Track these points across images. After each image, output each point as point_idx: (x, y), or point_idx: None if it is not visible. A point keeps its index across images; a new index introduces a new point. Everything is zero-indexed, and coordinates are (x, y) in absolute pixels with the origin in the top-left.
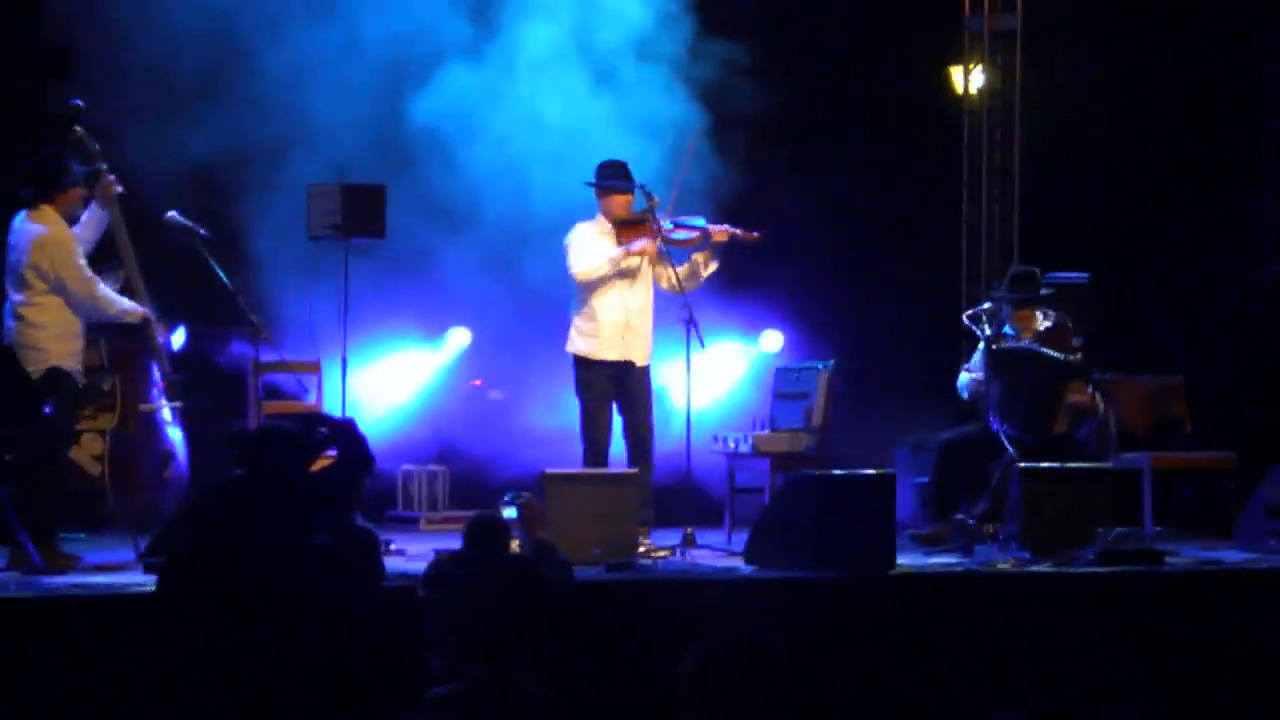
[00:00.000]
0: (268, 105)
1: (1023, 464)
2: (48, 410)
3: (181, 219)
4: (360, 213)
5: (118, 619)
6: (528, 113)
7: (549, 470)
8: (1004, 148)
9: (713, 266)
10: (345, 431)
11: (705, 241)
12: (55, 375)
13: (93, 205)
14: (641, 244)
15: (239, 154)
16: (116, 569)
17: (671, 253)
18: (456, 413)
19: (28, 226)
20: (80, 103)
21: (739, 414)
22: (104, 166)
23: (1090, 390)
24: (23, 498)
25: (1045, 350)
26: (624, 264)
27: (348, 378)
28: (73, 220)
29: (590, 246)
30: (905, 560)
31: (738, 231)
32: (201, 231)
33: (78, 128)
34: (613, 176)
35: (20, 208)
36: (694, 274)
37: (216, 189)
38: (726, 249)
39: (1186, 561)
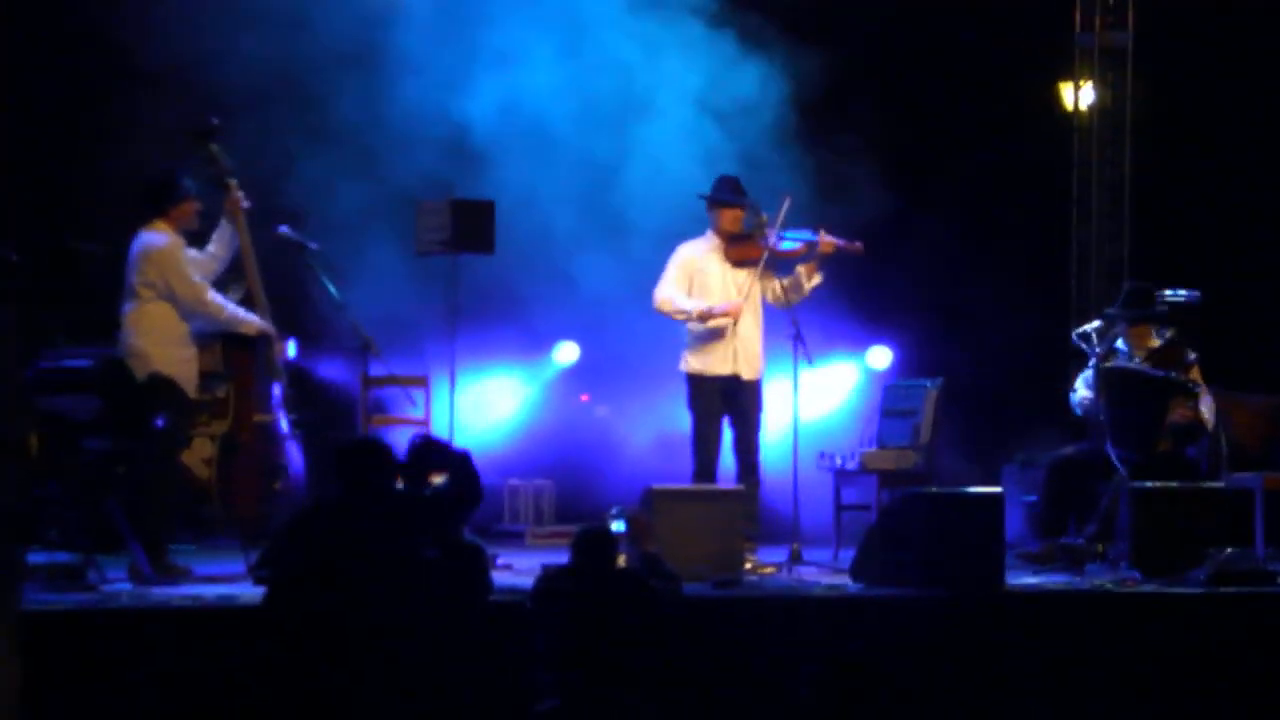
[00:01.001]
0: (379, 119)
1: (1133, 484)
2: (159, 423)
3: (292, 233)
4: (469, 228)
5: (229, 631)
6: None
7: (656, 486)
8: (1114, 164)
9: (817, 279)
10: (460, 465)
11: (811, 253)
12: (156, 382)
13: (223, 222)
14: (725, 307)
15: (347, 169)
16: (227, 581)
17: (777, 265)
18: (563, 427)
19: (140, 239)
20: (216, 120)
21: (846, 431)
22: (234, 181)
23: (1194, 406)
24: (135, 509)
25: (1146, 369)
26: (703, 322)
27: (456, 392)
28: (190, 234)
29: (684, 270)
30: (1014, 579)
31: (841, 242)
32: (312, 246)
33: (213, 145)
34: (727, 191)
35: (132, 225)
36: (797, 286)
37: (325, 204)
38: (834, 262)
39: None
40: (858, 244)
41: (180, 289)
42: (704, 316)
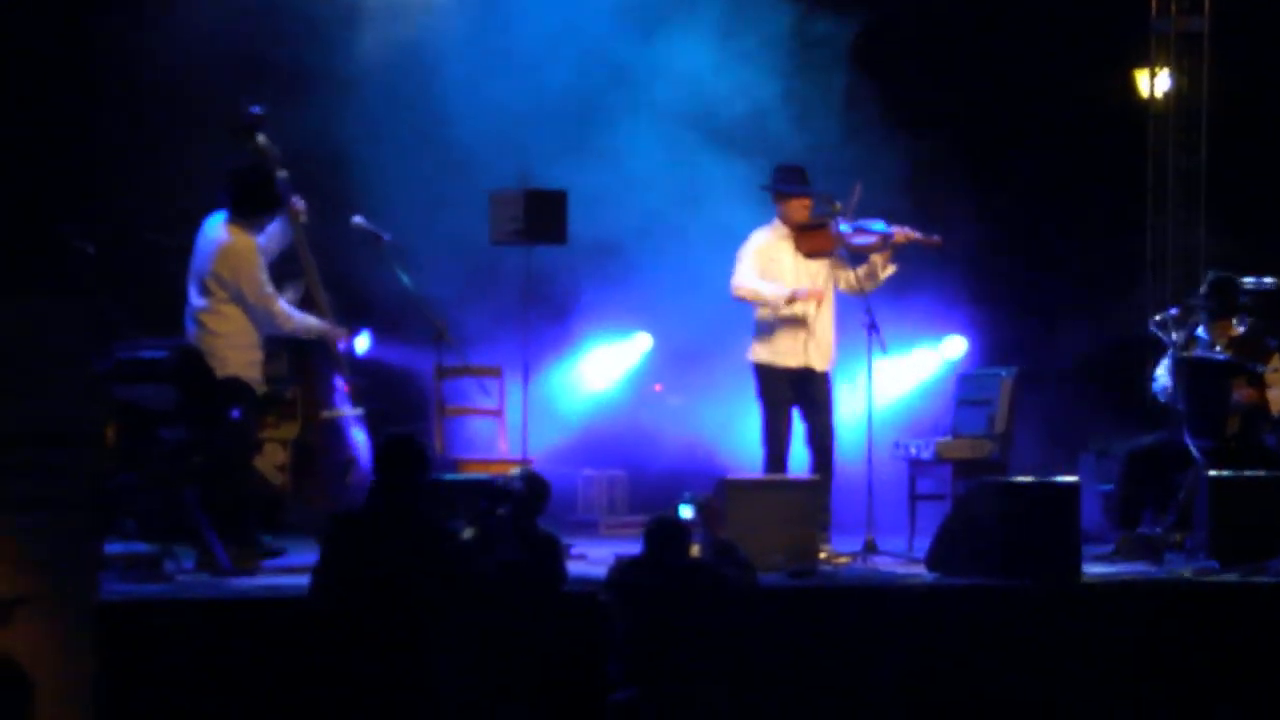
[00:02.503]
0: (449, 110)
1: (1211, 473)
2: (235, 414)
3: (366, 224)
4: (542, 218)
5: (304, 622)
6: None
7: (730, 476)
8: (1190, 152)
9: (891, 269)
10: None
11: (886, 244)
12: (230, 384)
13: (280, 220)
14: (807, 291)
15: (423, 159)
16: (304, 571)
17: (849, 255)
18: (637, 417)
19: (216, 233)
20: (259, 110)
21: (920, 420)
22: (285, 175)
23: (1258, 387)
24: (210, 499)
25: (1213, 355)
26: (785, 309)
27: (529, 382)
28: (259, 229)
29: (758, 259)
30: (1091, 569)
31: (918, 235)
32: (386, 236)
33: (260, 135)
34: (790, 181)
35: (214, 210)
36: (872, 275)
37: (400, 194)
38: (907, 252)
39: None
40: (936, 237)
41: (252, 295)
42: (790, 301)
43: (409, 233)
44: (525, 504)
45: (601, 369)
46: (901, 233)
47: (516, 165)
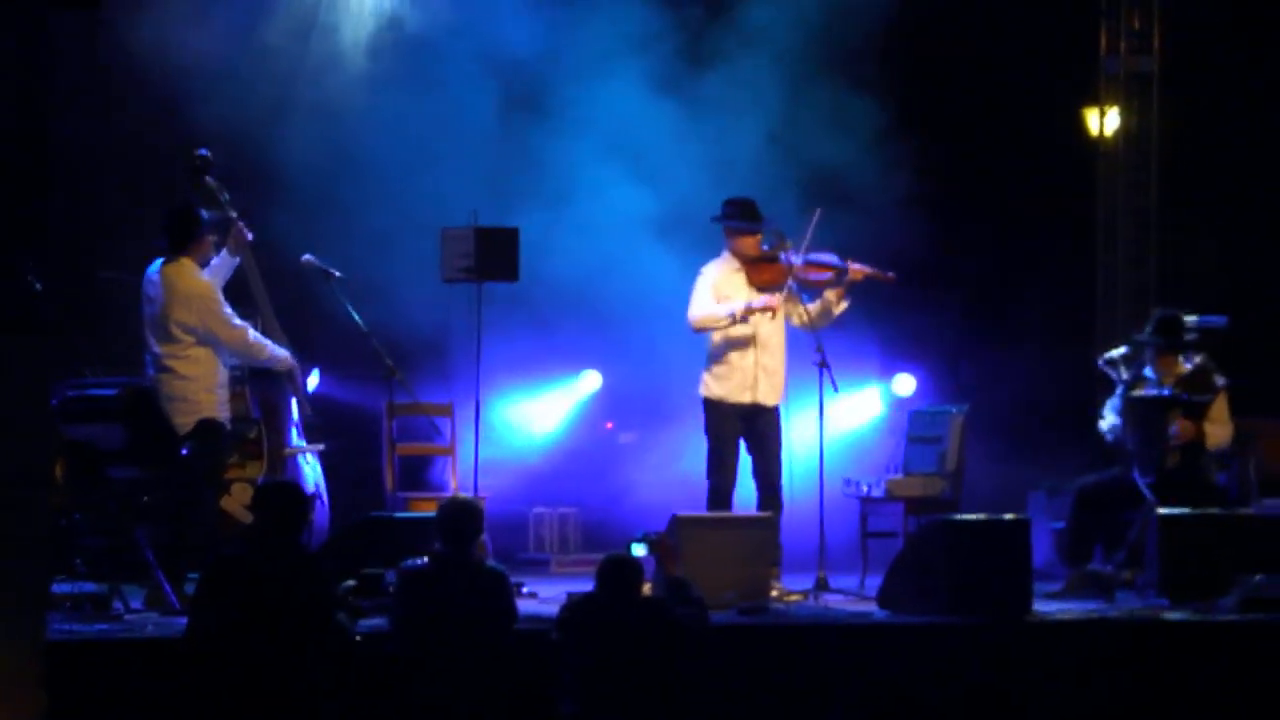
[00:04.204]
0: (400, 147)
1: (1161, 511)
2: (184, 452)
3: (317, 261)
4: (493, 255)
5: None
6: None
7: (681, 514)
8: (1140, 190)
9: (844, 305)
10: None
11: (840, 279)
12: (207, 426)
13: (223, 252)
14: (764, 301)
15: (370, 197)
16: None
17: (801, 287)
18: (588, 455)
19: (166, 279)
20: (207, 153)
21: (871, 458)
22: (234, 214)
23: (1195, 421)
24: (161, 539)
25: (1156, 392)
26: (741, 321)
27: (480, 420)
28: (204, 265)
29: (713, 292)
30: (1041, 607)
31: (872, 270)
32: (336, 274)
33: (207, 177)
34: (740, 215)
35: (155, 257)
36: (826, 311)
37: (351, 232)
38: (860, 288)
39: None
40: (890, 274)
41: (225, 335)
42: (748, 312)
43: (359, 270)
44: (454, 534)
45: (552, 407)
46: (856, 268)
47: (468, 202)
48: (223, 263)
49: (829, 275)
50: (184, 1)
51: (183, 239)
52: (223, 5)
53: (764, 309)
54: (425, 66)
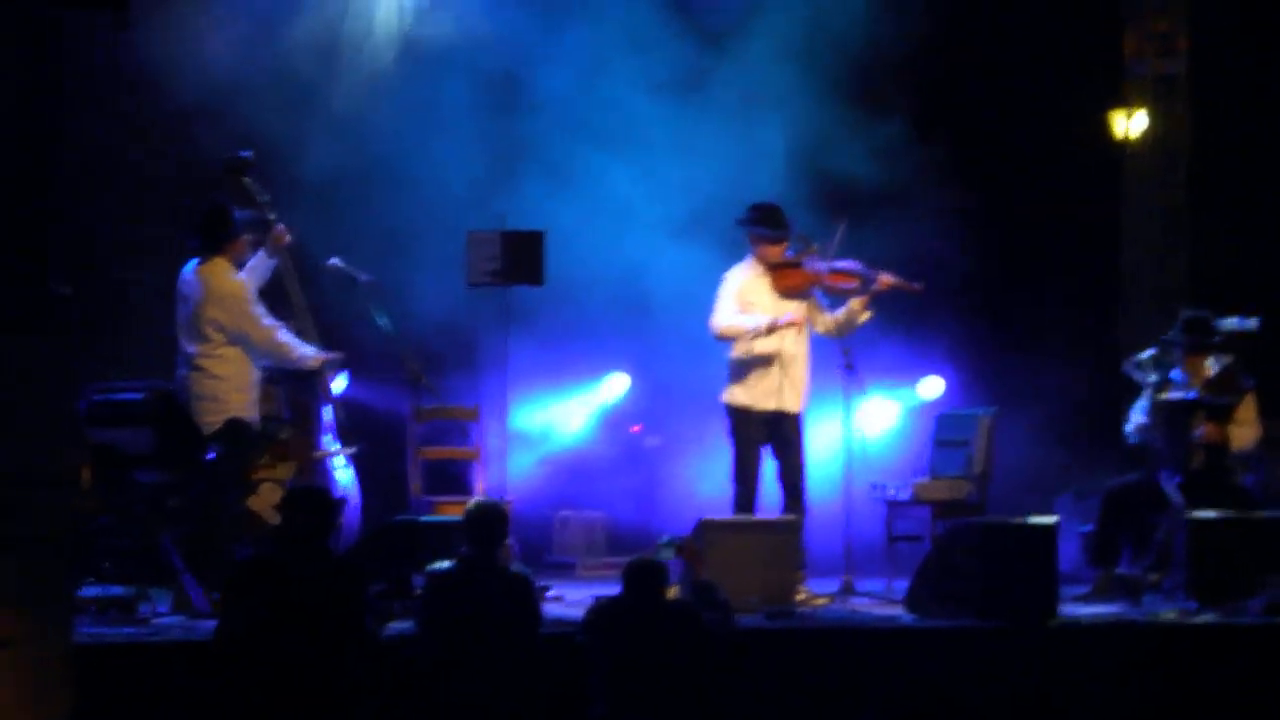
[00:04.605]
0: (426, 150)
1: (1189, 513)
2: (210, 456)
3: (343, 265)
4: (519, 259)
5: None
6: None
7: (708, 518)
8: (1168, 192)
9: (868, 315)
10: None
11: (865, 288)
12: (235, 426)
13: (260, 253)
14: (789, 317)
15: (399, 201)
16: None
17: (827, 296)
18: (614, 459)
19: (201, 279)
20: (249, 154)
21: (898, 461)
22: (273, 216)
23: (1220, 424)
24: (187, 542)
25: (1184, 395)
26: (769, 334)
27: (507, 424)
28: (239, 266)
29: (738, 299)
30: (1069, 610)
31: (899, 281)
32: (363, 277)
33: (246, 178)
34: (764, 221)
35: (191, 257)
36: (850, 321)
37: (378, 236)
38: (885, 296)
39: None
40: (917, 285)
41: (255, 334)
42: (771, 329)
43: (386, 273)
44: (481, 537)
45: (579, 410)
46: (884, 279)
47: (495, 205)
48: (260, 263)
49: (855, 284)
50: (206, 9)
51: (216, 239)
52: (245, 14)
53: (789, 325)
54: (450, 72)
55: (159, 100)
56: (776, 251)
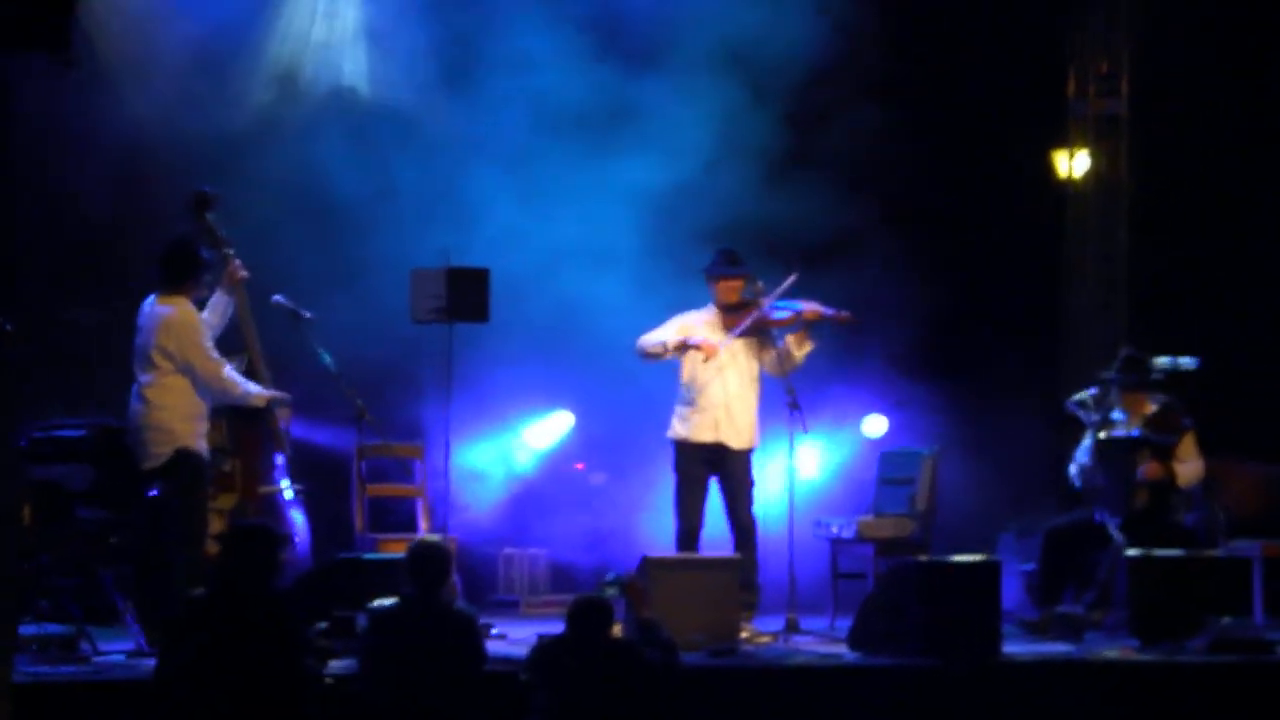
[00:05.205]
0: (370, 188)
1: (1131, 552)
2: (153, 494)
3: (287, 302)
4: (464, 296)
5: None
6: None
7: (651, 555)
8: (1109, 232)
9: (808, 346)
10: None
11: (798, 321)
12: (183, 456)
13: (218, 291)
14: (701, 340)
15: (343, 236)
16: None
17: (773, 335)
18: (559, 496)
19: (158, 309)
20: (210, 190)
21: (842, 499)
22: (231, 252)
23: (1165, 462)
24: (129, 580)
25: (1126, 434)
26: (674, 352)
27: (450, 461)
28: (200, 304)
29: (677, 327)
30: (1011, 648)
31: (828, 311)
32: (306, 314)
33: (208, 215)
34: (724, 262)
35: (126, 296)
36: (788, 355)
37: (321, 273)
38: (830, 331)
39: None
40: (845, 313)
41: (200, 365)
42: (679, 347)
43: (330, 310)
44: (424, 576)
45: (523, 448)
46: (810, 309)
47: (439, 242)
48: (220, 301)
49: (788, 315)
50: (149, 45)
51: (180, 275)
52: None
53: (697, 347)
54: (394, 111)
55: (98, 139)
56: (731, 289)
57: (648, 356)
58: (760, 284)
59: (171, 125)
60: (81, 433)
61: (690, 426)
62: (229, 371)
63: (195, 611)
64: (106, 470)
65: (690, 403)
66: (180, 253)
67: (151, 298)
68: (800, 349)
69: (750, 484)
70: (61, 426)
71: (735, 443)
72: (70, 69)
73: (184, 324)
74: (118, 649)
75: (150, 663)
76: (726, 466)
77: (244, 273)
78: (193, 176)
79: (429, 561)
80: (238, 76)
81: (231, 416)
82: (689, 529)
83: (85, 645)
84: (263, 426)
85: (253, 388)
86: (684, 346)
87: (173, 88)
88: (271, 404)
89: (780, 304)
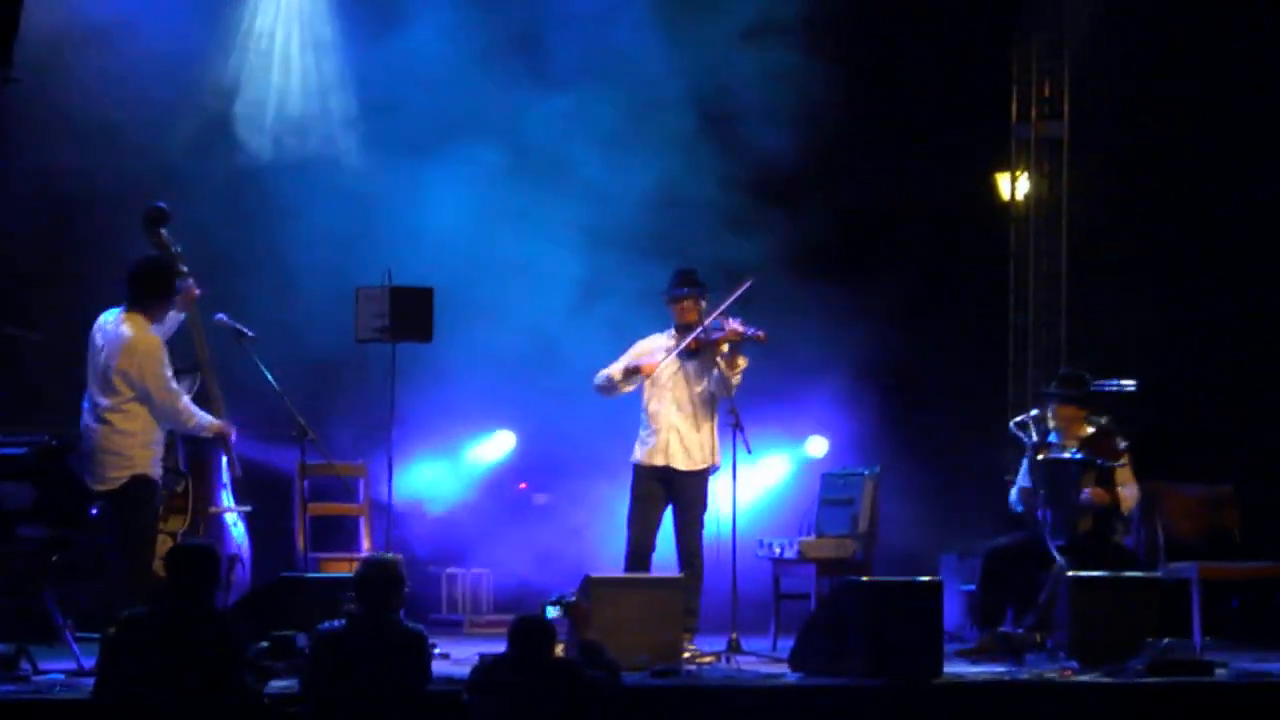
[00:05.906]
0: (315, 209)
1: (1071, 574)
2: (94, 512)
3: (230, 321)
4: (408, 315)
5: None
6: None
7: (594, 574)
8: (1050, 254)
9: (741, 363)
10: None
11: (723, 340)
12: (138, 483)
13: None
14: (640, 361)
15: (284, 257)
16: None
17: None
18: (501, 516)
19: (120, 330)
20: (164, 205)
21: (784, 520)
22: (185, 269)
23: (1108, 486)
24: (70, 599)
25: (1067, 455)
26: (623, 379)
27: (393, 480)
28: (158, 320)
29: (634, 354)
30: (952, 669)
31: (747, 331)
32: (249, 333)
33: (163, 231)
34: (677, 283)
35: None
36: (721, 375)
37: (263, 291)
38: (765, 352)
39: (1236, 673)
40: (760, 332)
41: (157, 394)
42: (627, 371)
43: (272, 329)
44: (373, 595)
45: (466, 467)
46: (731, 329)
47: (383, 261)
48: (170, 319)
49: (718, 335)
50: (99, 60)
51: (150, 294)
52: (137, 64)
53: (639, 369)
54: (341, 129)
55: (36, 156)
56: (688, 310)
57: (604, 391)
58: (702, 304)
59: (115, 143)
60: (23, 450)
61: (645, 450)
62: (185, 402)
63: (135, 629)
64: (48, 488)
65: (646, 426)
66: (153, 271)
67: (115, 314)
68: (731, 369)
69: (701, 507)
70: (2, 444)
71: (684, 464)
72: (9, 83)
73: (147, 351)
74: (58, 668)
75: (89, 682)
76: (675, 488)
77: (197, 291)
78: (128, 196)
79: (379, 581)
80: (178, 93)
81: (185, 439)
82: (637, 549)
83: (25, 664)
84: (217, 450)
85: (205, 419)
86: (629, 371)
87: (111, 105)
88: (222, 430)
89: (715, 324)
